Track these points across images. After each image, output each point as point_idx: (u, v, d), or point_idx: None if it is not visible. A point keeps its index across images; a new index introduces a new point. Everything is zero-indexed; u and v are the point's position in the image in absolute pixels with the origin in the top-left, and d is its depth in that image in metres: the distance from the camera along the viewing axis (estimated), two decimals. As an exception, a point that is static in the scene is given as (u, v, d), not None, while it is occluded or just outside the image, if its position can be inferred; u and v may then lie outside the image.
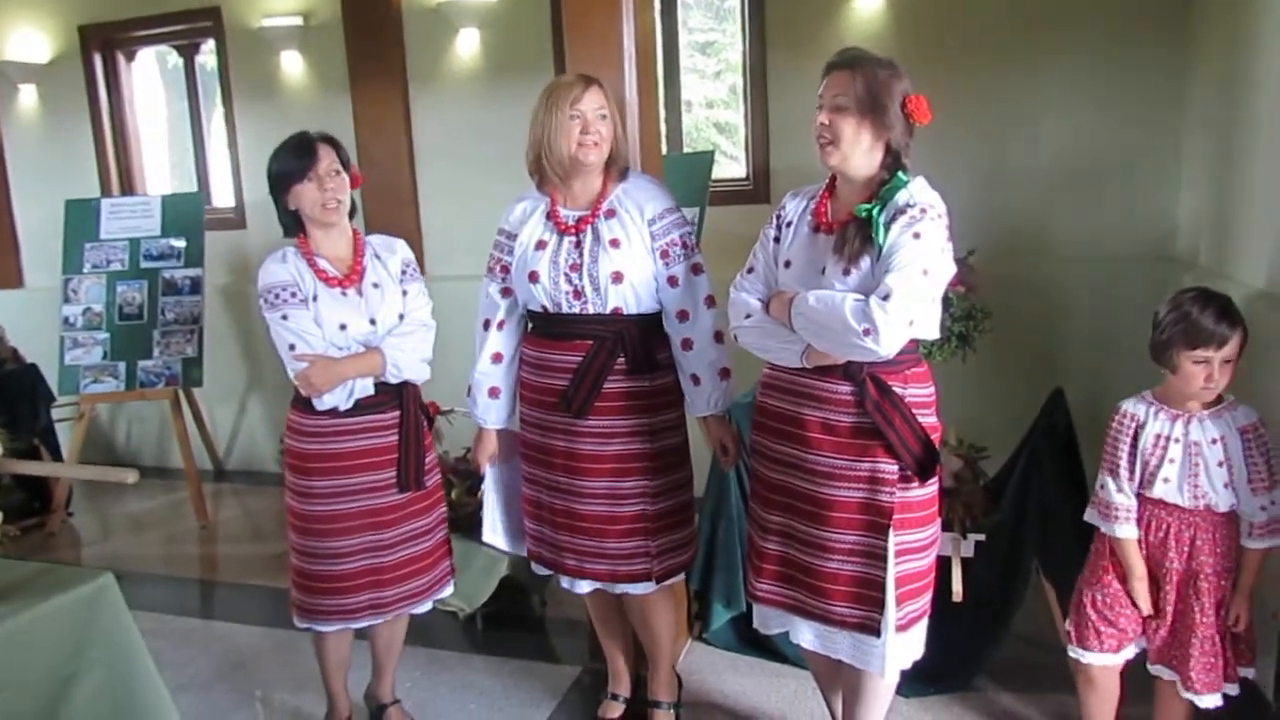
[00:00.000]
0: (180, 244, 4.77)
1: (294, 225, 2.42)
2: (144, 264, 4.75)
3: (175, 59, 5.70)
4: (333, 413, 2.35)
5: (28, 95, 5.73)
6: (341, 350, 2.35)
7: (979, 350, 2.92)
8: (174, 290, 4.72)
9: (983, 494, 2.75)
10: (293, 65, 5.13)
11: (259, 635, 3.40)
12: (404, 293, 2.45)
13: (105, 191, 5.61)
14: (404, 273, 2.47)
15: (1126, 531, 2.18)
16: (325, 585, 2.43)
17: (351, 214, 2.46)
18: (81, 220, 4.80)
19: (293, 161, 2.34)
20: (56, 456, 4.80)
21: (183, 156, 5.81)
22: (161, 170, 5.99)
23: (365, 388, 2.36)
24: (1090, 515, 2.26)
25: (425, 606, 2.57)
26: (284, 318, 2.32)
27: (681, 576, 2.51)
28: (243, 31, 5.17)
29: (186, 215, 4.80)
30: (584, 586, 2.46)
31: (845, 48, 2.06)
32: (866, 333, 1.86)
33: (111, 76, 5.64)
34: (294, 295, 2.33)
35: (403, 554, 2.47)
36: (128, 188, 5.70)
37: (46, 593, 1.75)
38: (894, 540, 2.03)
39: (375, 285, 2.41)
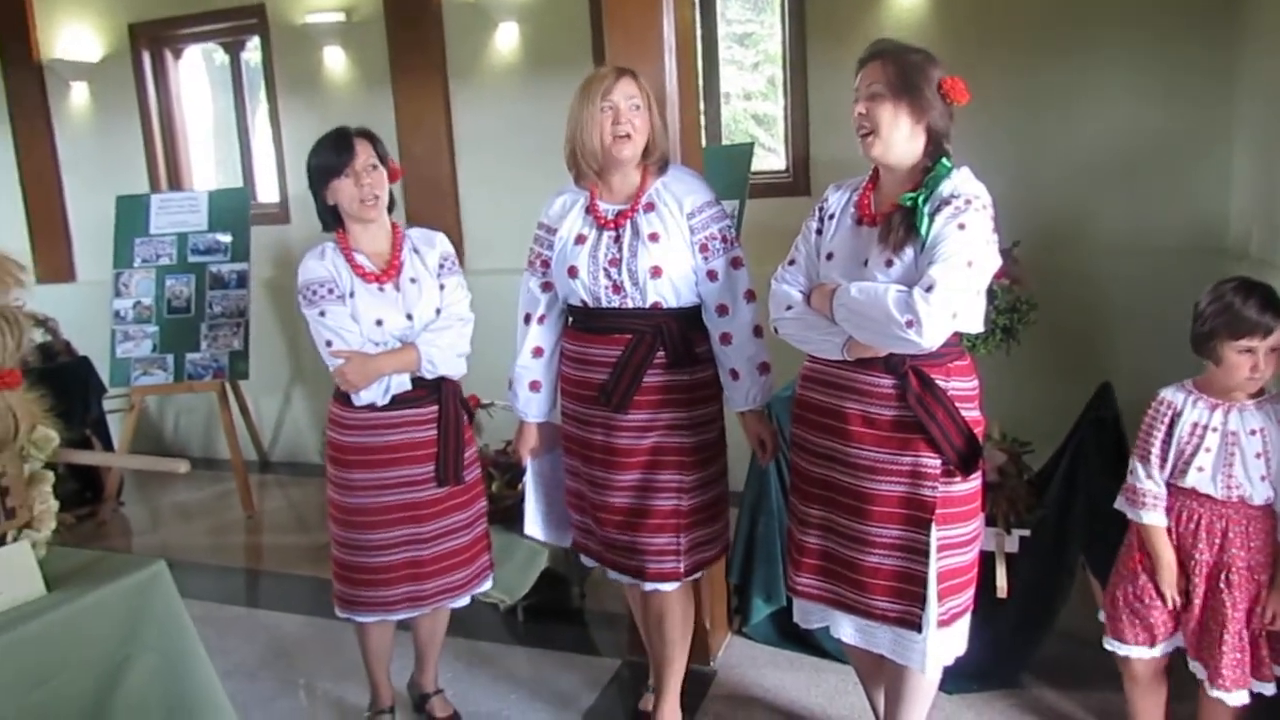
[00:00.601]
0: (226, 239, 4.85)
1: (333, 220, 2.43)
2: (191, 258, 4.83)
3: (221, 56, 5.78)
4: (372, 407, 2.37)
5: (79, 93, 5.85)
6: (378, 346, 2.36)
7: (1024, 343, 2.88)
8: (221, 284, 4.80)
9: (1027, 489, 2.72)
10: (335, 61, 5.19)
11: (303, 624, 3.45)
12: (441, 286, 2.46)
13: (154, 187, 5.72)
14: (442, 266, 2.48)
15: (1154, 518, 2.16)
16: (364, 577, 2.45)
17: (391, 208, 2.47)
18: (131, 215, 4.89)
19: (330, 157, 2.36)
20: (108, 447, 4.91)
21: (228, 152, 5.90)
22: (208, 166, 6.09)
23: (402, 383, 2.38)
24: (1119, 503, 2.23)
25: (464, 600, 2.58)
26: (321, 314, 2.34)
27: (699, 575, 2.46)
28: (287, 28, 5.24)
29: (232, 210, 4.88)
30: (622, 578, 2.47)
31: (876, 40, 2.05)
32: (909, 324, 1.85)
33: (160, 74, 5.75)
34: (331, 292, 2.35)
35: (441, 548, 2.48)
36: (175, 183, 5.81)
37: (101, 579, 1.79)
38: (936, 535, 2.01)
39: (413, 280, 2.42)
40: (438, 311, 2.44)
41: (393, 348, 2.37)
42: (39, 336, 4.79)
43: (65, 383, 4.71)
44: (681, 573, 2.37)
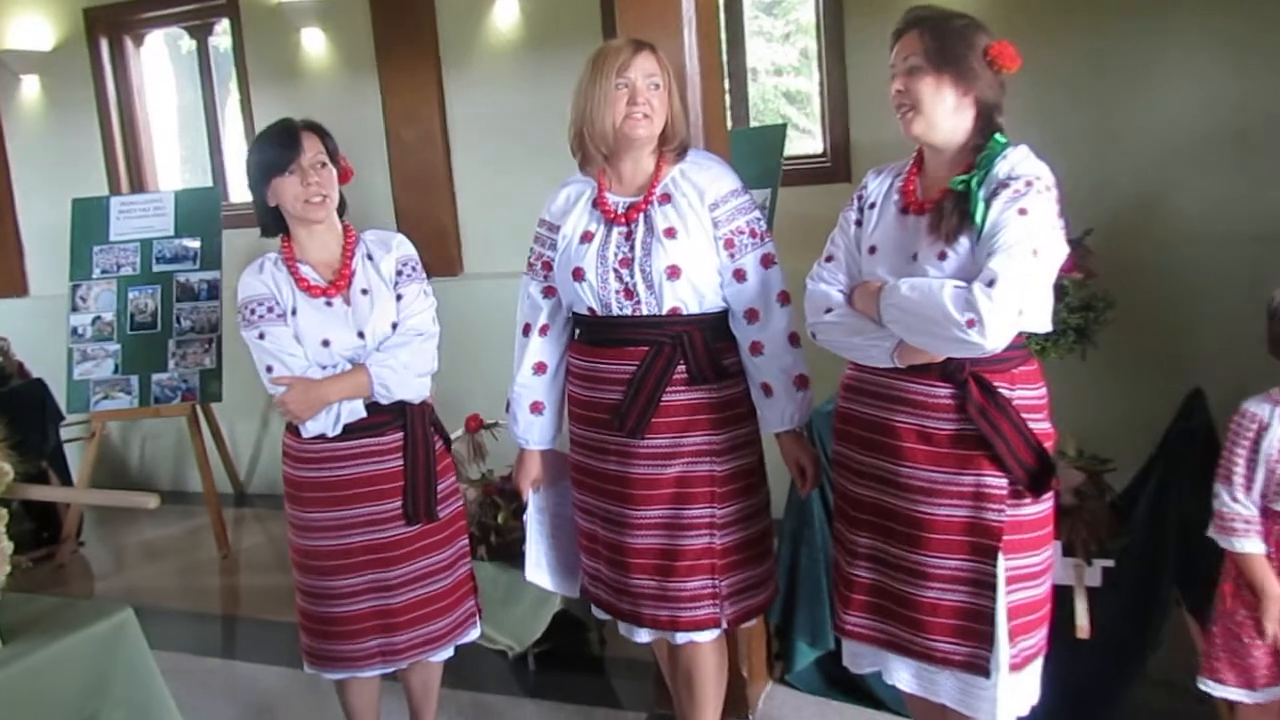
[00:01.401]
0: (195, 244, 4.87)
1: (274, 224, 2.42)
2: (157, 267, 4.86)
3: (187, 42, 5.85)
4: (325, 436, 2.35)
5: (30, 86, 5.92)
6: (326, 369, 2.34)
7: (1100, 346, 2.86)
8: (189, 295, 4.83)
9: (1109, 513, 2.68)
10: (314, 44, 5.22)
11: (285, 677, 3.44)
12: (398, 297, 2.42)
13: (114, 189, 5.76)
14: (400, 273, 2.44)
15: (1249, 545, 2.13)
16: (330, 629, 2.43)
17: (342, 211, 2.45)
18: (90, 221, 4.93)
19: (273, 152, 2.33)
20: (66, 480, 4.95)
21: (196, 148, 5.96)
22: (173, 164, 6.14)
23: (354, 411, 2.34)
24: (1211, 530, 2.20)
25: (445, 653, 2.55)
26: (260, 336, 2.32)
27: (755, 621, 2.44)
28: (259, 9, 5.28)
29: (201, 212, 4.91)
30: (643, 635, 2.39)
31: (910, 8, 2.04)
32: (970, 324, 1.82)
33: (119, 63, 5.81)
34: (271, 310, 2.34)
35: (415, 594, 2.44)
36: (138, 184, 5.86)
37: (62, 630, 1.80)
38: (1004, 565, 1.98)
39: (364, 292, 2.39)
40: (394, 326, 2.41)
41: (342, 370, 2.35)
42: (-11, 358, 4.83)
43: (18, 409, 4.72)
44: (721, 620, 2.30)
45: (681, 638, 2.34)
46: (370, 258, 2.44)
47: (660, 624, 2.33)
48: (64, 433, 5.02)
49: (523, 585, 3.18)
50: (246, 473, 5.67)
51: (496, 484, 3.46)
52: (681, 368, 2.25)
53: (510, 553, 3.23)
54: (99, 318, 4.84)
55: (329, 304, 2.36)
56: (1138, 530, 2.66)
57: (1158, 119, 3.87)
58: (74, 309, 4.85)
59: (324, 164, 2.36)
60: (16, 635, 1.77)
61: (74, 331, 4.83)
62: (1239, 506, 2.12)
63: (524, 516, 2.61)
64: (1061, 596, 2.59)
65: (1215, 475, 2.17)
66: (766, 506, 2.41)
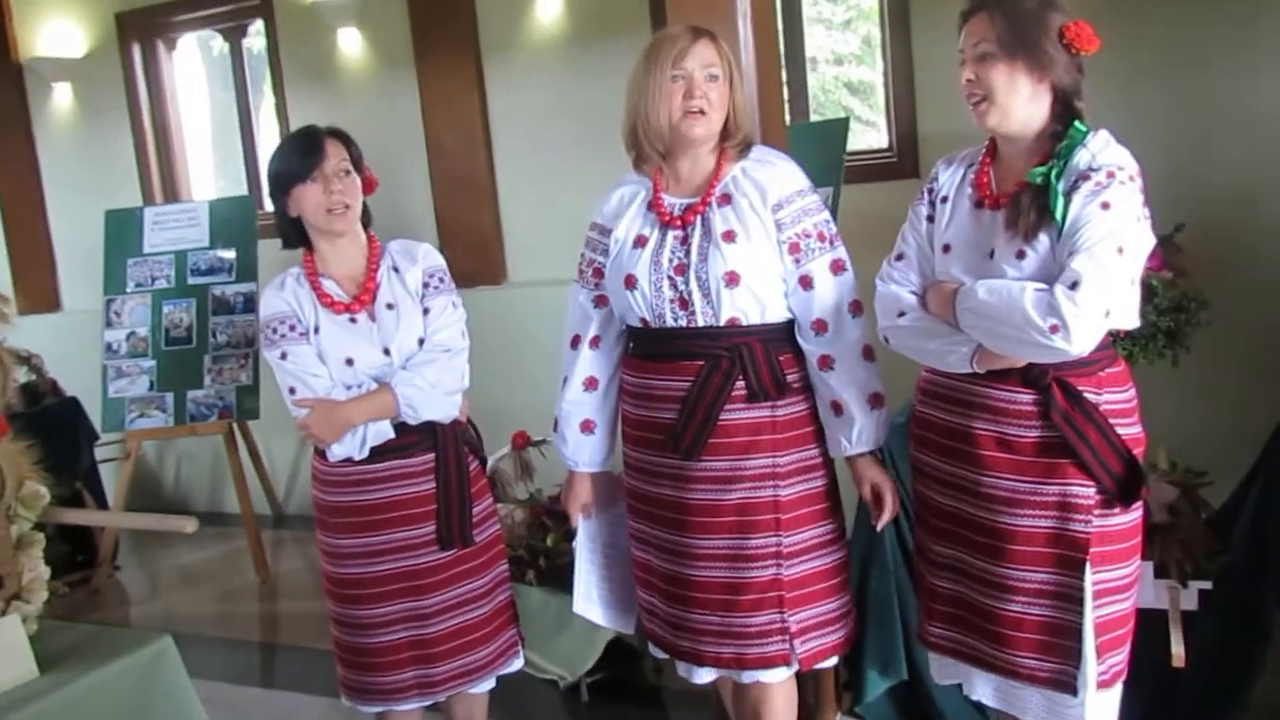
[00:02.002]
0: (230, 255, 4.97)
1: (295, 236, 2.45)
2: (191, 280, 4.97)
3: (220, 44, 5.98)
4: (352, 460, 2.36)
5: (62, 94, 6.09)
6: (351, 389, 2.35)
7: (1194, 350, 2.81)
8: (225, 309, 4.93)
9: (1205, 531, 2.64)
10: (351, 44, 5.31)
11: (326, 707, 3.47)
12: (425, 310, 2.43)
13: (147, 199, 5.91)
14: (426, 285, 2.45)
15: None
16: (365, 660, 2.45)
17: (367, 223, 2.48)
18: (123, 232, 5.06)
19: (295, 160, 2.36)
20: (101, 502, 5.06)
21: (230, 155, 6.08)
22: (207, 172, 6.29)
23: (381, 432, 2.35)
24: None
25: (486, 685, 2.56)
26: (283, 356, 2.35)
27: (834, 661, 2.38)
28: (294, 9, 5.39)
29: (236, 222, 5.01)
30: (705, 675, 2.33)
31: None
32: (1054, 329, 1.82)
33: (151, 69, 5.97)
34: (293, 329, 2.36)
35: (452, 623, 2.45)
36: (171, 194, 6.00)
37: (100, 658, 1.84)
38: (1091, 578, 1.98)
39: (390, 306, 2.40)
40: (421, 342, 2.42)
41: (367, 391, 2.36)
42: (22, 376, 4.93)
43: (52, 429, 4.84)
44: (792, 657, 2.25)
45: (748, 677, 2.29)
46: (396, 269, 2.45)
47: (723, 662, 2.27)
48: (99, 453, 5.13)
49: (573, 614, 3.20)
50: (285, 493, 5.77)
51: (545, 504, 3.48)
52: (740, 383, 2.20)
53: (560, 577, 3.24)
54: (133, 333, 4.95)
55: (353, 320, 2.38)
56: (1237, 549, 2.61)
57: (1257, 104, 3.79)
58: (108, 324, 4.98)
59: (347, 172, 2.38)
60: (54, 664, 1.82)
61: (108, 347, 4.95)
62: None
63: (573, 543, 2.57)
64: (1154, 621, 2.55)
65: None
66: (841, 535, 2.35)
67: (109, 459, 5.19)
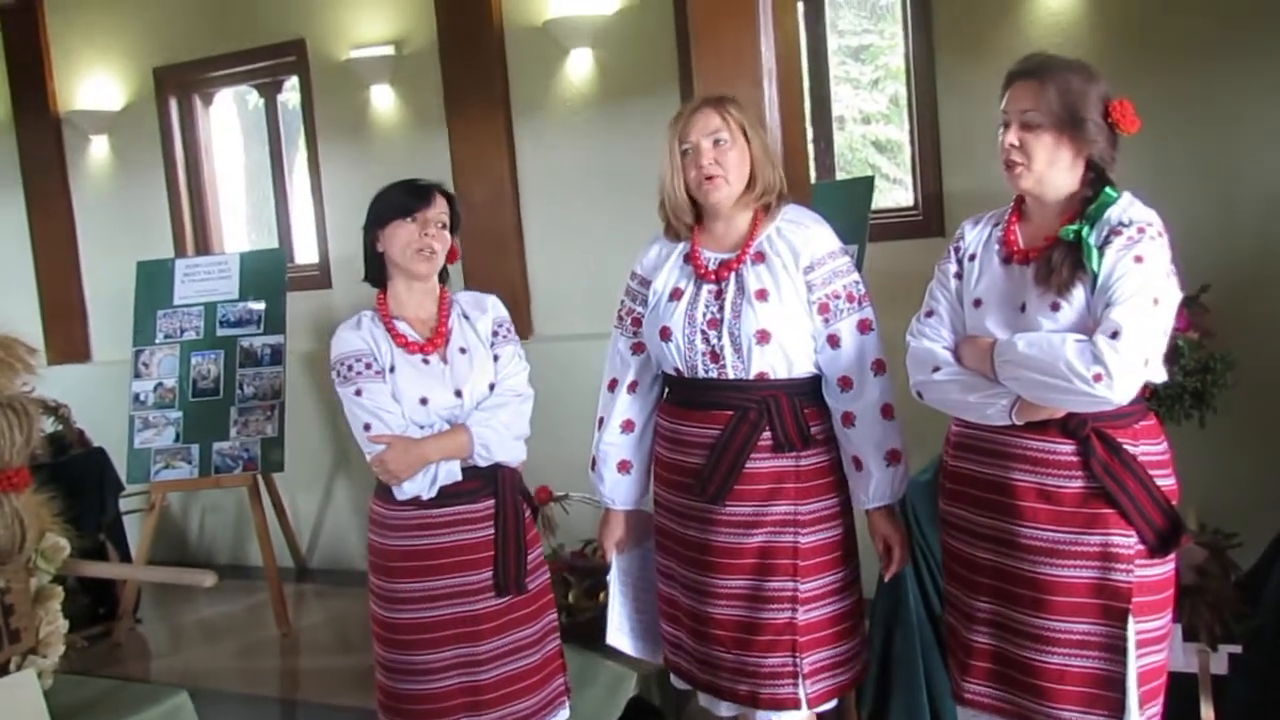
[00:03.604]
0: (259, 307, 5.06)
1: (377, 272, 2.53)
2: (220, 331, 5.06)
3: (255, 99, 6.14)
4: (417, 502, 2.42)
5: (99, 147, 6.26)
6: (424, 429, 2.41)
7: (1220, 411, 2.82)
8: (253, 360, 5.01)
9: (1235, 593, 2.63)
10: (383, 100, 5.44)
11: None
12: (495, 357, 2.52)
13: (179, 250, 6.03)
14: (495, 334, 2.54)
15: None
16: (413, 707, 2.46)
17: (444, 279, 2.56)
18: (154, 283, 5.16)
19: (402, 198, 2.46)
20: (124, 554, 5.08)
21: (262, 208, 6.21)
22: (239, 225, 6.41)
23: (451, 473, 2.41)
24: None
25: None
26: (358, 393, 2.41)
27: (835, 703, 2.44)
28: (329, 65, 5.53)
29: (266, 275, 5.11)
30: (724, 709, 2.44)
31: (1029, 54, 2.10)
32: (1098, 378, 1.88)
33: (187, 122, 6.12)
34: (369, 367, 2.43)
35: (504, 670, 2.48)
36: (203, 246, 6.12)
37: (117, 714, 1.86)
38: (1134, 628, 2.01)
39: (462, 350, 2.48)
40: (491, 387, 2.49)
41: (440, 430, 2.43)
42: (49, 425, 4.99)
43: (77, 479, 4.88)
44: (801, 701, 2.33)
45: (761, 716, 2.37)
46: (466, 317, 2.54)
47: (740, 698, 2.37)
48: (123, 504, 5.16)
49: (594, 667, 3.20)
50: (308, 546, 5.79)
51: (567, 560, 3.49)
52: (767, 434, 2.30)
53: (581, 633, 3.25)
54: (161, 384, 5.03)
55: (426, 361, 2.45)
56: (1267, 613, 2.61)
57: (1282, 166, 3.83)
58: (136, 375, 5.05)
59: (444, 225, 2.48)
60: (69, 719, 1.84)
61: (136, 398, 5.03)
62: None
63: (604, 588, 2.66)
64: (1184, 685, 2.53)
65: None
66: (856, 580, 2.43)
67: (134, 510, 5.23)
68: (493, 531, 2.46)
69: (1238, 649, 2.59)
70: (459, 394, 2.45)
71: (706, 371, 2.33)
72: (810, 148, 4.07)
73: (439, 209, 2.47)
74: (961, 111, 4.29)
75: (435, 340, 2.47)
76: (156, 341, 5.09)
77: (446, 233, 2.49)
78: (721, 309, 2.31)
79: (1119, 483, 2.00)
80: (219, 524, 6.04)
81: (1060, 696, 2.06)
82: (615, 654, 2.79)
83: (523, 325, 5.13)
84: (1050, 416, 2.02)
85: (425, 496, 2.41)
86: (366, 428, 2.40)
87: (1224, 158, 3.89)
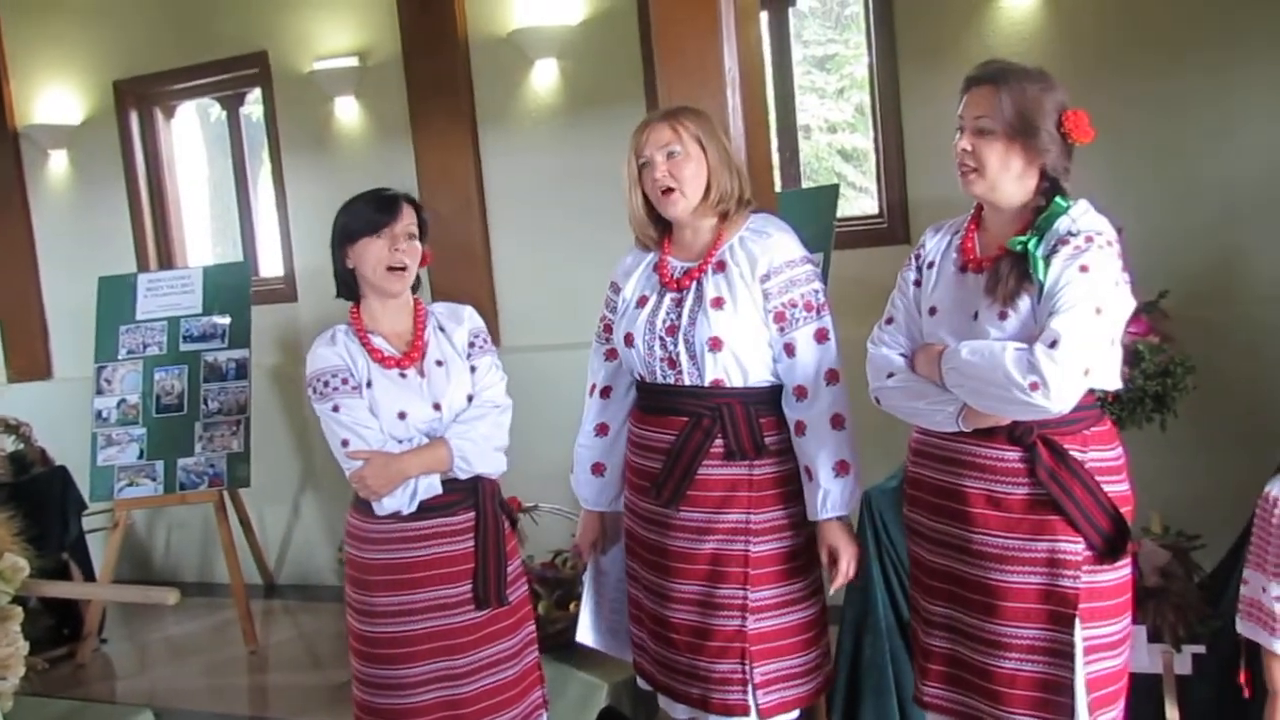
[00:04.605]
0: (224, 321, 5.04)
1: (348, 288, 2.53)
2: (184, 346, 5.03)
3: (218, 112, 6.11)
4: (397, 516, 2.41)
5: (58, 162, 6.21)
6: (402, 443, 2.41)
7: (1181, 414, 2.86)
8: (217, 375, 4.98)
9: (1198, 594, 2.66)
10: (348, 112, 5.43)
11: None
12: (472, 369, 2.53)
13: (142, 266, 5.98)
14: (472, 345, 2.55)
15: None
16: None
17: (416, 288, 2.56)
18: (116, 299, 5.12)
19: (369, 213, 2.44)
20: (88, 573, 5.02)
21: (226, 222, 6.18)
22: (203, 239, 6.37)
23: (431, 486, 2.41)
24: (1240, 624, 2.16)
25: None
26: (335, 409, 2.40)
27: (796, 714, 2.44)
28: (292, 77, 5.51)
29: (231, 288, 5.09)
30: (680, 711, 2.46)
31: (987, 60, 2.13)
32: (1034, 387, 1.89)
33: (149, 136, 6.08)
34: (345, 382, 2.42)
35: (484, 683, 2.48)
36: (166, 261, 6.08)
37: (81, 735, 1.85)
38: (1081, 634, 2.03)
39: (439, 363, 2.49)
40: (469, 399, 2.50)
41: (419, 444, 2.43)
42: (10, 444, 4.96)
43: (39, 498, 4.83)
44: (751, 708, 2.34)
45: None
46: (442, 329, 2.55)
47: (692, 701, 2.40)
48: (86, 522, 5.10)
49: (566, 679, 3.20)
50: (276, 562, 5.75)
51: (537, 571, 3.49)
52: (720, 441, 2.32)
53: (551, 645, 3.25)
54: (124, 400, 4.99)
55: (403, 375, 2.45)
56: (1230, 613, 2.62)
57: (1239, 172, 3.88)
58: (98, 392, 5.01)
59: (412, 236, 2.47)
60: (33, 742, 1.82)
61: (98, 415, 4.98)
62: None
63: (577, 592, 2.70)
64: (1149, 686, 2.57)
65: (1245, 560, 2.14)
66: (816, 592, 2.44)
67: (97, 529, 5.18)
68: (473, 544, 2.46)
69: (1201, 649, 2.61)
70: (437, 407, 2.45)
71: (665, 378, 2.37)
72: (775, 156, 4.10)
73: (407, 220, 2.46)
74: (926, 120, 4.33)
75: (412, 354, 2.47)
76: (119, 357, 5.05)
77: (416, 243, 2.48)
78: (679, 316, 2.34)
79: (1065, 489, 2.02)
80: (185, 541, 5.99)
81: (1012, 701, 2.08)
82: (587, 665, 2.80)
83: (490, 336, 5.12)
84: (996, 424, 2.04)
85: (405, 511, 2.40)
86: (344, 444, 2.39)
87: (1183, 163, 3.94)
